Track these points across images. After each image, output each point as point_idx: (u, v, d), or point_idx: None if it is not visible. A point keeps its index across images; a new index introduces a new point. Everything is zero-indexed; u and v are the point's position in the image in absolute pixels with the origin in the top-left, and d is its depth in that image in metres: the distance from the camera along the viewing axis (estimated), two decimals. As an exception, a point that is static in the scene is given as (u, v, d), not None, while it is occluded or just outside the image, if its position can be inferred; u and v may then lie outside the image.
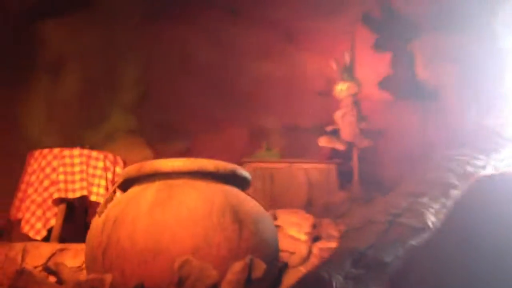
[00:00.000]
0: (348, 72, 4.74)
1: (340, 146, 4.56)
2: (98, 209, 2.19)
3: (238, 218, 2.14)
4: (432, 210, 2.30)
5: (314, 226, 3.48)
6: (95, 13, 4.40)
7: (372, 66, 5.27)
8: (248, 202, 2.31)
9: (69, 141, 3.79)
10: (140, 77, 4.95)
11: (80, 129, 4.25)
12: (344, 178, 4.72)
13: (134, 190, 2.27)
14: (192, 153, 5.01)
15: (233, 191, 2.32)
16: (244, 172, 2.47)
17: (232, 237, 2.08)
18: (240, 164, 4.53)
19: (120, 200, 2.23)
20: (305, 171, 4.56)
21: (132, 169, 2.31)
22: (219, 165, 2.34)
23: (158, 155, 4.67)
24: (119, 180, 2.31)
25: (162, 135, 4.93)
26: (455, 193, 2.54)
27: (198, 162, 2.29)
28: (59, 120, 4.13)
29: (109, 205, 2.21)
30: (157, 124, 4.97)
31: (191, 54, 5.23)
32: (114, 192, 2.35)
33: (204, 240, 2.02)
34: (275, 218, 2.40)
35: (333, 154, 4.87)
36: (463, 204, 2.61)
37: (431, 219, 2.19)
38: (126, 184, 2.39)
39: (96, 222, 2.19)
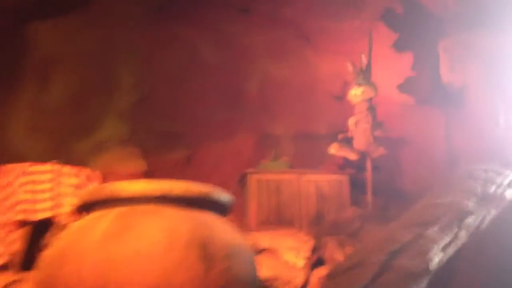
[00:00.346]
0: (364, 75, 4.35)
1: (352, 156, 4.18)
2: (48, 239, 1.91)
3: (206, 252, 1.83)
4: (441, 244, 1.93)
5: (314, 250, 3.13)
6: (90, 13, 4.15)
7: (392, 67, 4.88)
8: (223, 232, 1.99)
9: (56, 152, 3.55)
10: (137, 80, 4.66)
11: (69, 138, 3.98)
12: (359, 190, 4.35)
13: (89, 217, 1.98)
14: (193, 163, 4.72)
15: (206, 219, 2.00)
16: (222, 195, 2.15)
17: (197, 276, 1.78)
18: (243, 175, 4.22)
19: (70, 230, 1.94)
20: (315, 183, 4.21)
21: (88, 194, 2.02)
22: (190, 188, 2.02)
23: (153, 166, 4.38)
24: (75, 206, 2.02)
25: (160, 144, 4.61)
26: (470, 221, 2.15)
27: (164, 185, 1.98)
28: (46, 129, 3.89)
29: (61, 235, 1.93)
30: (154, 131, 4.66)
31: (193, 55, 4.94)
32: (78, 218, 2.06)
33: (164, 279, 1.74)
34: (256, 249, 2.06)
35: (347, 164, 4.49)
36: (486, 234, 2.23)
37: (437, 257, 1.81)
38: (89, 210, 2.09)
39: (45, 254, 1.91)
